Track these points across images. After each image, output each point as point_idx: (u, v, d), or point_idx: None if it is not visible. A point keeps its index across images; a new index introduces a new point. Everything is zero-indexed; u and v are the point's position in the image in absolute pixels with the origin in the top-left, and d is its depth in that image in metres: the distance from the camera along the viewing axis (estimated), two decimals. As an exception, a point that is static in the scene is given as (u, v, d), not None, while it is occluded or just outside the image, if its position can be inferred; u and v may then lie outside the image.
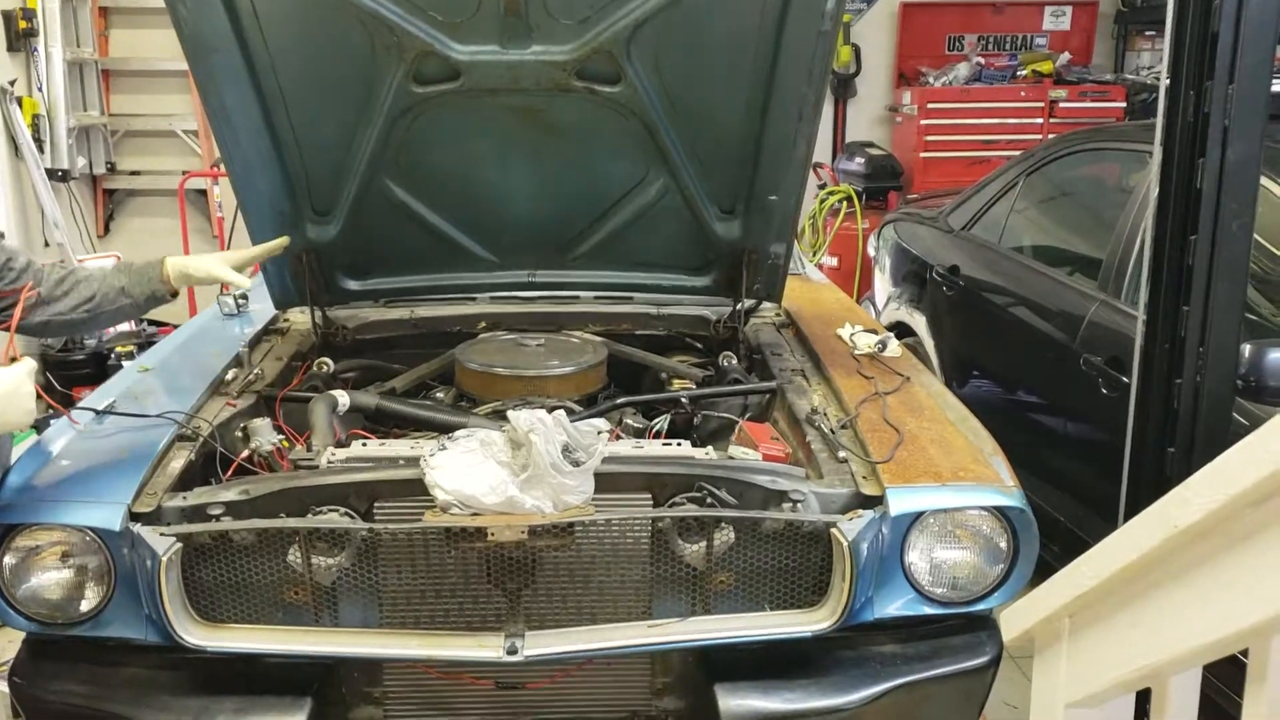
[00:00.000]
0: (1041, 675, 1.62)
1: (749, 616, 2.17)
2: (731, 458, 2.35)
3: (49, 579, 2.17)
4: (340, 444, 2.49)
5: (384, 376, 3.10)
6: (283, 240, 2.75)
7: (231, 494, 2.16)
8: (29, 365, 2.05)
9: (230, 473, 2.40)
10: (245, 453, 2.51)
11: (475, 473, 2.07)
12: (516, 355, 2.91)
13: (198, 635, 2.10)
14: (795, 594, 2.21)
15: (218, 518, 2.13)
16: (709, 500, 2.16)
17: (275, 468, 2.54)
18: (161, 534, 2.07)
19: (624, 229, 3.08)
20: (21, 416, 2.02)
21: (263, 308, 3.32)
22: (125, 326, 6.56)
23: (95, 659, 2.21)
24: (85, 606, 2.16)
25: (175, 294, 2.46)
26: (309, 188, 2.91)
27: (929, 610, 2.25)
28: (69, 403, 6.15)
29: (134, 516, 2.11)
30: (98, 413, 2.50)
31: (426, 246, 3.11)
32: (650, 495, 2.21)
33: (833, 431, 2.44)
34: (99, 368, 6.07)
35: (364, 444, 2.38)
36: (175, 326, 7.07)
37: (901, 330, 5.28)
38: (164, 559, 2.03)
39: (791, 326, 3.27)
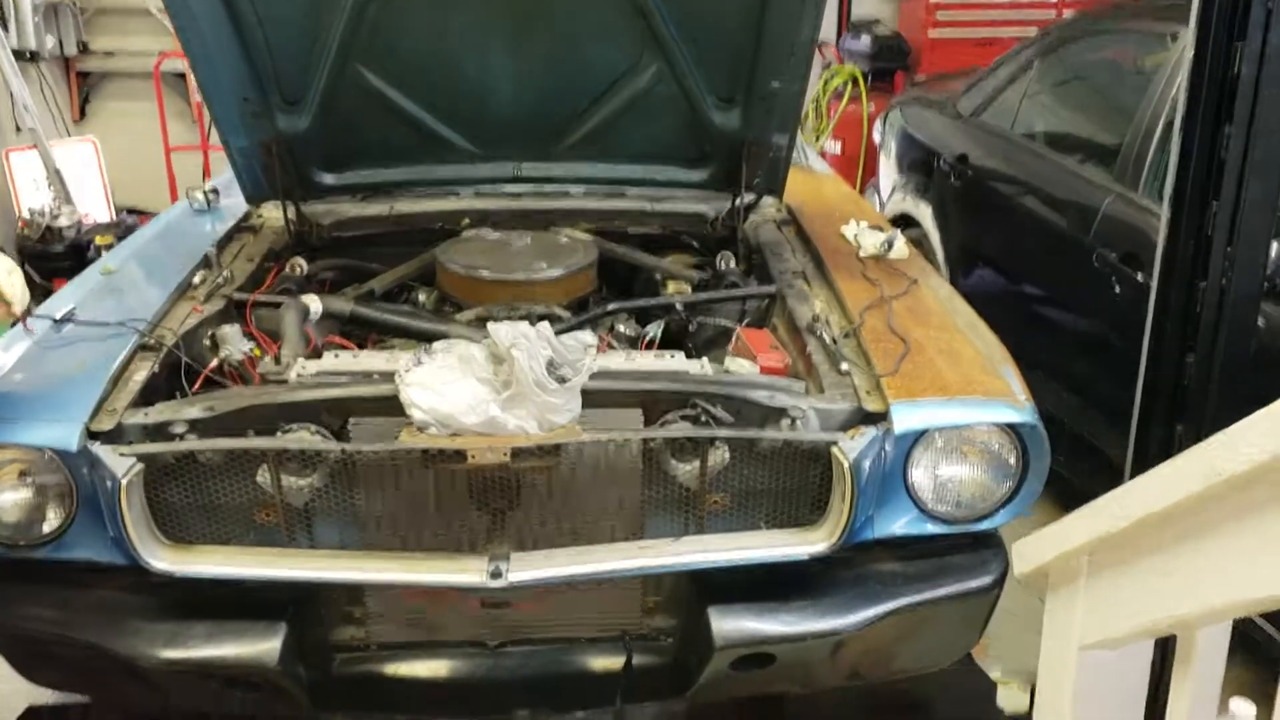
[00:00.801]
0: (1055, 614, 1.52)
1: (744, 536, 2.07)
2: (728, 371, 2.21)
3: (7, 499, 2.06)
4: (315, 351, 2.36)
5: (362, 277, 2.95)
6: None
7: (196, 410, 2.04)
8: None
9: (198, 384, 2.27)
10: (214, 362, 2.38)
11: (454, 390, 1.94)
12: (502, 257, 2.75)
13: (164, 559, 2.00)
14: (793, 512, 2.10)
15: (181, 436, 2.00)
16: (703, 418, 2.04)
17: (246, 378, 2.41)
18: (121, 454, 1.94)
19: (615, 119, 2.89)
20: None
21: (235, 202, 3.15)
22: (104, 216, 6.38)
23: (61, 580, 2.12)
24: (47, 528, 2.06)
25: None
26: (276, 74, 2.71)
27: (932, 529, 2.16)
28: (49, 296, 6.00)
29: (92, 435, 1.99)
30: (55, 320, 2.35)
31: (405, 138, 2.92)
32: (642, 411, 2.08)
33: (835, 341, 2.30)
34: (79, 259, 5.90)
35: (336, 354, 2.24)
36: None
37: (906, 221, 5.10)
38: (124, 482, 1.91)
39: (793, 224, 3.10)
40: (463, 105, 2.85)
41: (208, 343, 2.43)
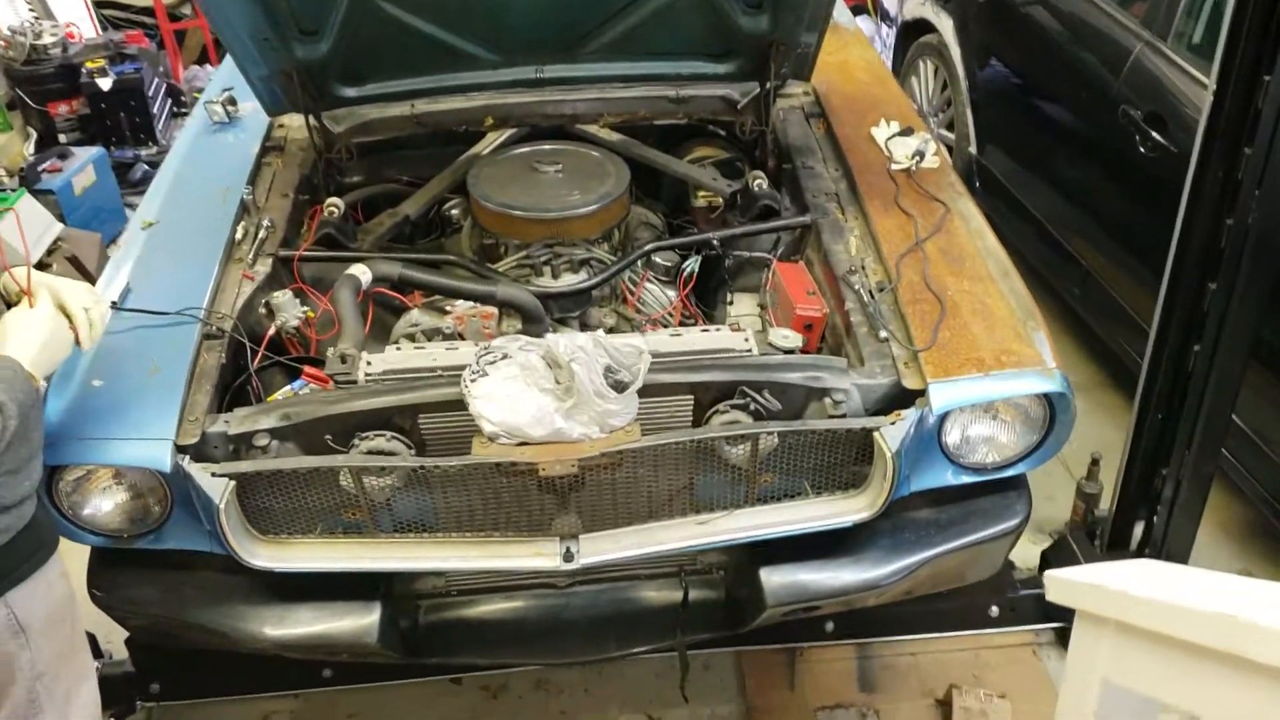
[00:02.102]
0: (1082, 640, 1.67)
1: (792, 508, 2.23)
2: (771, 345, 2.31)
3: (107, 502, 2.22)
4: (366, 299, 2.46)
5: (395, 200, 2.97)
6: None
7: (273, 419, 2.15)
8: (49, 295, 1.94)
9: (257, 360, 2.37)
10: (271, 330, 2.47)
11: (519, 402, 2.05)
12: (534, 188, 2.76)
13: (262, 557, 2.17)
14: (836, 474, 2.25)
15: (264, 448, 2.13)
16: (753, 407, 2.16)
17: (304, 342, 2.52)
18: (214, 474, 2.08)
19: (638, 25, 2.81)
20: (63, 350, 1.94)
21: (253, 109, 3.11)
22: (90, 33, 6.16)
23: (165, 565, 2.31)
24: (146, 522, 2.22)
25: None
26: (291, 10, 2.63)
27: (965, 479, 2.32)
28: (46, 120, 5.87)
29: (180, 449, 2.12)
30: (115, 307, 2.41)
31: (425, 53, 2.86)
32: (693, 397, 2.20)
33: (872, 295, 2.38)
34: (71, 81, 5.78)
35: (398, 348, 2.33)
36: (142, 24, 6.63)
37: (924, 27, 4.96)
38: (221, 505, 2.06)
39: (821, 118, 3.07)
40: (483, 22, 2.77)
41: (263, 311, 2.51)
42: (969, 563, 2.41)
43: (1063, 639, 3.02)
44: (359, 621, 2.25)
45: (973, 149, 4.62)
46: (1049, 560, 3.10)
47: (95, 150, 5.24)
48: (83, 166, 5.09)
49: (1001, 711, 2.81)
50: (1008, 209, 4.37)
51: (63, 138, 5.76)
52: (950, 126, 4.86)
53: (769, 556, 2.29)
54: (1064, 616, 2.96)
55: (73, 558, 2.27)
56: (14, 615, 1.95)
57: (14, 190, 4.81)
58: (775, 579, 2.27)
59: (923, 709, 2.88)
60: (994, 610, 2.95)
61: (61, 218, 4.83)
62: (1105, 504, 3.14)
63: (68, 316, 2.03)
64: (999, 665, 2.99)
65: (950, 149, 4.87)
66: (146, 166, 5.68)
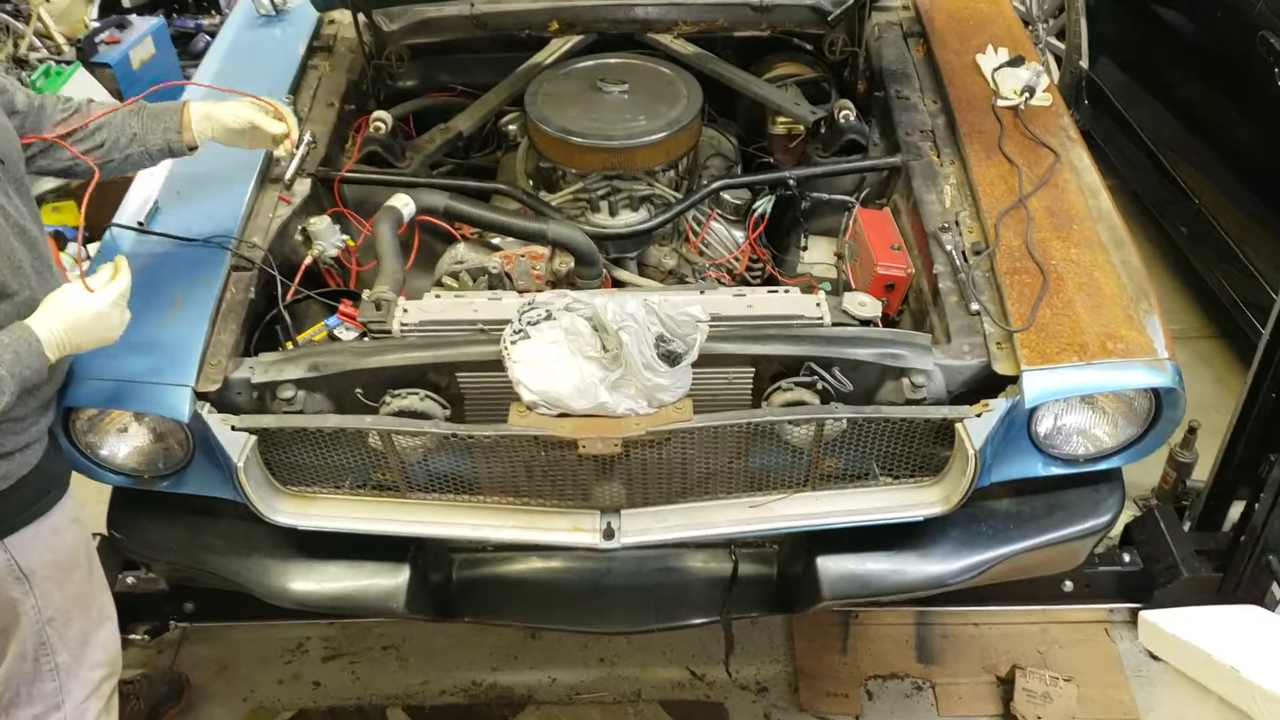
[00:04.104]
0: (1177, 704, 1.50)
1: (857, 495, 2.03)
2: (845, 313, 2.07)
3: (125, 443, 2.10)
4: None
5: (446, 115, 2.74)
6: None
7: (300, 369, 1.99)
8: (119, 289, 1.80)
9: (290, 295, 2.21)
10: (307, 260, 2.30)
11: (561, 370, 1.87)
12: (596, 111, 2.50)
13: (286, 513, 2.04)
14: (909, 457, 2.04)
15: (290, 400, 1.98)
16: (820, 385, 1.94)
17: (343, 274, 2.35)
18: (234, 428, 1.93)
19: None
20: (94, 340, 1.80)
21: (302, 1, 2.88)
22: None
23: (187, 509, 2.19)
24: (166, 464, 2.10)
25: (194, 148, 2.07)
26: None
27: (1054, 471, 2.10)
28: None
29: (199, 395, 1.98)
30: (140, 229, 2.25)
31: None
32: (754, 370, 1.99)
33: (965, 258, 2.12)
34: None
35: (437, 296, 2.14)
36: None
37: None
38: (240, 464, 1.92)
39: (921, 38, 2.75)
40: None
41: (299, 238, 2.33)
42: (1048, 560, 2.20)
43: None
44: (386, 583, 2.12)
45: (1083, 61, 4.23)
46: (1132, 534, 2.87)
47: (155, 20, 5.03)
48: (141, 38, 4.88)
49: (1067, 697, 2.64)
50: (1116, 129, 4.02)
51: (125, 1, 5.56)
52: (1060, 35, 4.44)
53: (828, 542, 2.10)
54: (1143, 595, 2.77)
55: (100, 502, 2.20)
56: (15, 561, 1.89)
57: (69, 64, 4.65)
58: (833, 569, 2.09)
59: (982, 686, 2.72)
60: (1067, 585, 2.73)
61: (119, 94, 4.67)
62: (1198, 473, 2.90)
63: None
64: (1068, 643, 2.80)
65: (1058, 59, 4.48)
66: (209, 37, 5.47)
